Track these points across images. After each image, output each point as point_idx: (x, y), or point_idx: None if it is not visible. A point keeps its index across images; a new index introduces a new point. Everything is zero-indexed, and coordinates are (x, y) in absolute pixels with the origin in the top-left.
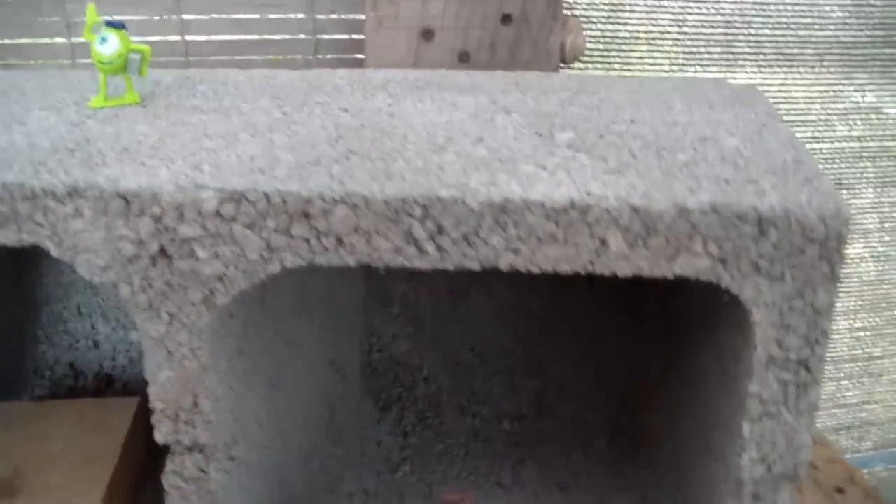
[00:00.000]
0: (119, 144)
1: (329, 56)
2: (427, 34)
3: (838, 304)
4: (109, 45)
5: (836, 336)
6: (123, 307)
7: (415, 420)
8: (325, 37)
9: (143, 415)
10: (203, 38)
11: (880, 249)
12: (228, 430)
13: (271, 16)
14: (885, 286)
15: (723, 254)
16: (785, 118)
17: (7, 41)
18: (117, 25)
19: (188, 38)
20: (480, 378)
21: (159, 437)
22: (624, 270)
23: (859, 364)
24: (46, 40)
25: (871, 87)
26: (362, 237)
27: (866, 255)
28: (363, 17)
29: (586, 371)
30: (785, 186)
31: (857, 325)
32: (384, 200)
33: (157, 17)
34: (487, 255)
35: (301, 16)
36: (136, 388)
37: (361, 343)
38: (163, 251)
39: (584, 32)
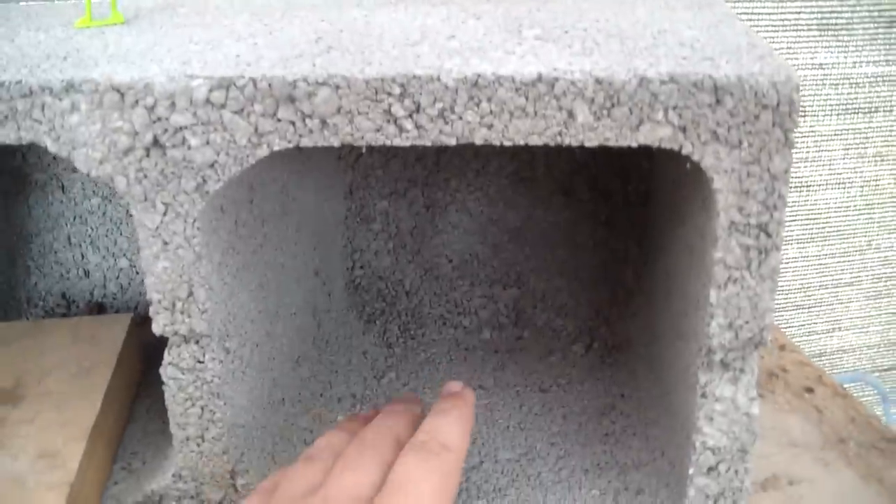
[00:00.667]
0: (108, 52)
1: None
2: None
3: (804, 232)
4: None
5: (806, 263)
6: (111, 235)
7: (398, 332)
8: None
9: (136, 331)
10: None
11: (844, 176)
12: (222, 321)
13: None
14: (850, 212)
15: (683, 122)
16: None
17: None
18: None
19: None
20: (460, 290)
21: (157, 327)
22: (591, 140)
23: (829, 290)
24: None
25: (835, 7)
26: (345, 118)
27: (831, 181)
28: None
29: (563, 281)
30: (739, 61)
31: (824, 252)
32: (364, 81)
33: None
34: (463, 130)
35: None
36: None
37: (344, 260)
38: (156, 141)
39: None
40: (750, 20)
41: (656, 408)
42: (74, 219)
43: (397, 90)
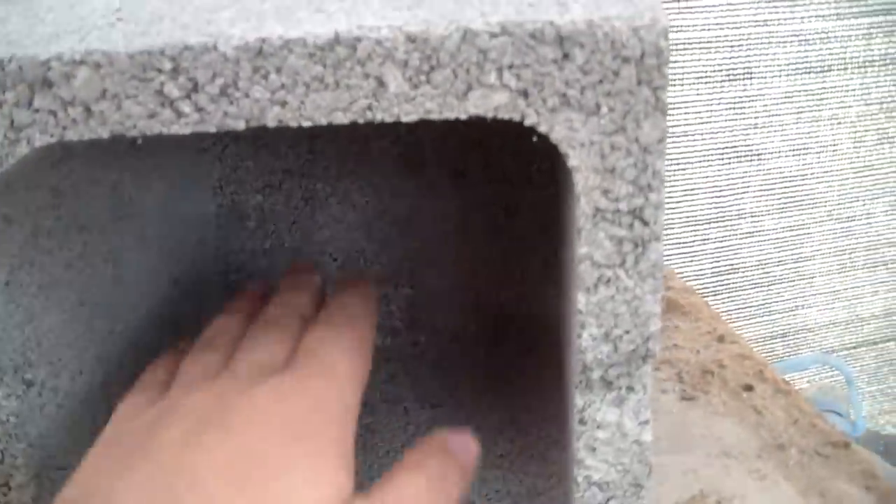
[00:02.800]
0: None
1: None
2: None
3: (762, 204)
4: None
5: (762, 237)
6: None
7: None
8: None
9: None
10: None
11: (798, 142)
12: (16, 350)
13: None
14: (807, 181)
15: (522, 84)
16: (683, 3)
17: None
18: None
19: None
20: None
21: None
22: (409, 114)
23: (789, 266)
24: None
25: None
26: (112, 102)
27: (785, 148)
28: None
29: (461, 277)
30: (595, 2)
31: (781, 225)
32: (129, 55)
33: None
34: (251, 110)
35: None
36: None
37: (217, 262)
38: None
39: None
40: None
41: (559, 423)
42: None
43: (168, 65)
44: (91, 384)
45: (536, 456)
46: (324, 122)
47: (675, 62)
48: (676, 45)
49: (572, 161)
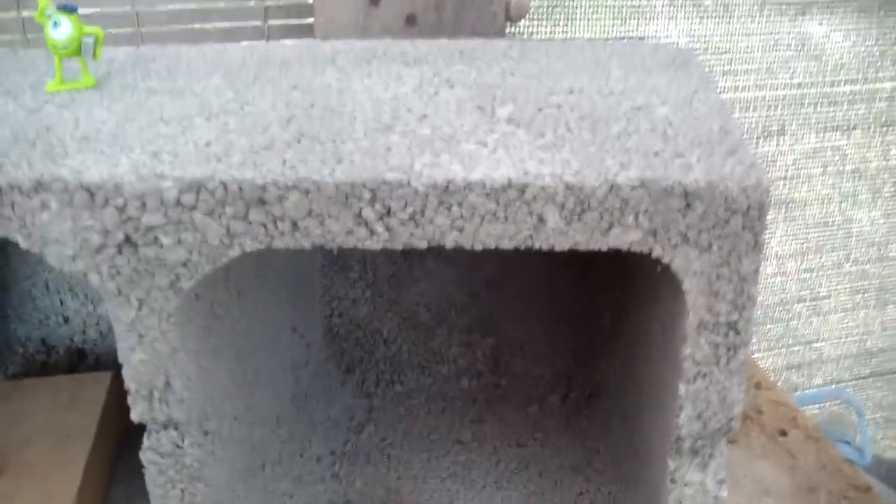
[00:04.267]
0: (78, 132)
1: (279, 21)
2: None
3: (787, 247)
4: (62, 30)
5: (784, 278)
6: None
7: (377, 381)
8: (273, 3)
9: (117, 389)
10: (152, 9)
11: (823, 192)
12: (200, 405)
13: None
14: (829, 228)
15: (653, 226)
16: (727, 68)
17: None
18: (69, 9)
19: (138, 9)
20: (438, 338)
21: (135, 415)
22: (562, 244)
23: (807, 304)
24: None
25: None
26: (316, 220)
27: (811, 198)
28: None
29: (539, 329)
30: (710, 158)
31: (803, 267)
32: (335, 185)
33: None
34: (433, 233)
35: None
36: (107, 360)
37: (322, 308)
38: (128, 239)
39: None
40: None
41: (629, 466)
42: (52, 266)
43: (367, 195)
44: (240, 428)
45: (613, 494)
46: (492, 246)
47: None
48: None
49: (686, 286)
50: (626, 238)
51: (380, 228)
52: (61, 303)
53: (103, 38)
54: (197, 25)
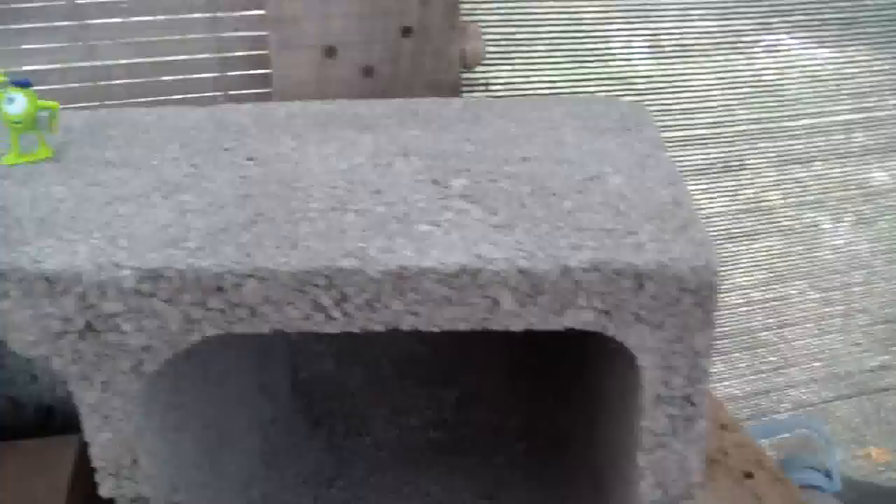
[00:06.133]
0: (36, 213)
1: (237, 73)
2: (330, 51)
3: (751, 278)
4: (17, 105)
5: (750, 308)
6: None
7: (345, 434)
8: (230, 54)
9: (86, 452)
10: (110, 62)
11: (785, 223)
12: (168, 479)
13: (175, 37)
14: (791, 258)
15: (606, 306)
16: (685, 105)
17: None
18: (23, 84)
19: (94, 63)
20: (403, 390)
21: (104, 491)
22: (516, 325)
23: (773, 332)
24: None
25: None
26: (273, 307)
27: (772, 229)
28: (266, 33)
29: (501, 379)
30: (661, 236)
31: (768, 296)
32: (290, 273)
33: (62, 45)
34: (390, 318)
35: (205, 35)
36: (76, 418)
37: (288, 364)
38: (89, 326)
39: (483, 37)
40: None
41: None
42: None
43: (323, 281)
44: (210, 496)
45: None
46: (448, 328)
47: (679, 157)
48: (678, 141)
49: (641, 362)
50: (579, 319)
51: (337, 314)
52: (28, 361)
53: (58, 111)
54: (154, 78)
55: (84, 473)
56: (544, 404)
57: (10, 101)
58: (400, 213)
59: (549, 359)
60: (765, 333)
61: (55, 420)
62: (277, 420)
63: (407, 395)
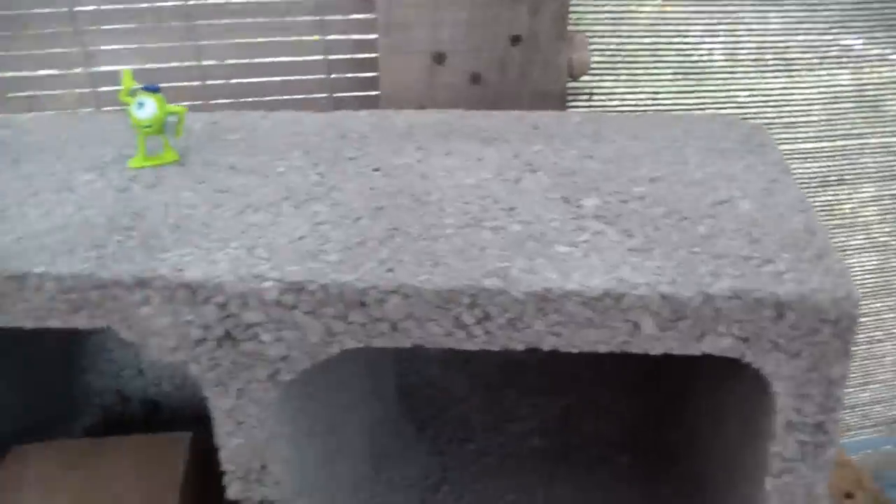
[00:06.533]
0: (170, 219)
1: (343, 75)
2: (439, 58)
3: None
4: (146, 110)
5: None
6: None
7: (449, 440)
8: (337, 56)
9: (196, 450)
10: (217, 62)
11: (881, 240)
12: (293, 484)
13: (283, 38)
14: (885, 274)
15: (745, 334)
16: (787, 119)
17: (26, 73)
18: (153, 89)
19: (204, 62)
20: (508, 398)
21: (231, 493)
22: (656, 349)
23: (862, 347)
24: (64, 71)
25: (872, 81)
26: (415, 323)
27: (867, 245)
28: (374, 36)
29: (608, 390)
30: (799, 266)
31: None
32: (434, 291)
33: (172, 44)
34: (531, 337)
35: (314, 38)
36: (182, 413)
37: (393, 369)
38: (228, 335)
39: (590, 47)
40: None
41: None
42: None
43: (466, 300)
44: (325, 497)
45: None
46: (588, 349)
47: None
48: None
49: (775, 388)
50: (718, 345)
51: (478, 332)
52: (136, 355)
53: (185, 116)
54: (262, 79)
55: (195, 470)
56: (650, 417)
57: (141, 105)
58: (536, 232)
59: (657, 372)
60: (854, 348)
61: (161, 414)
62: (384, 423)
63: (511, 403)
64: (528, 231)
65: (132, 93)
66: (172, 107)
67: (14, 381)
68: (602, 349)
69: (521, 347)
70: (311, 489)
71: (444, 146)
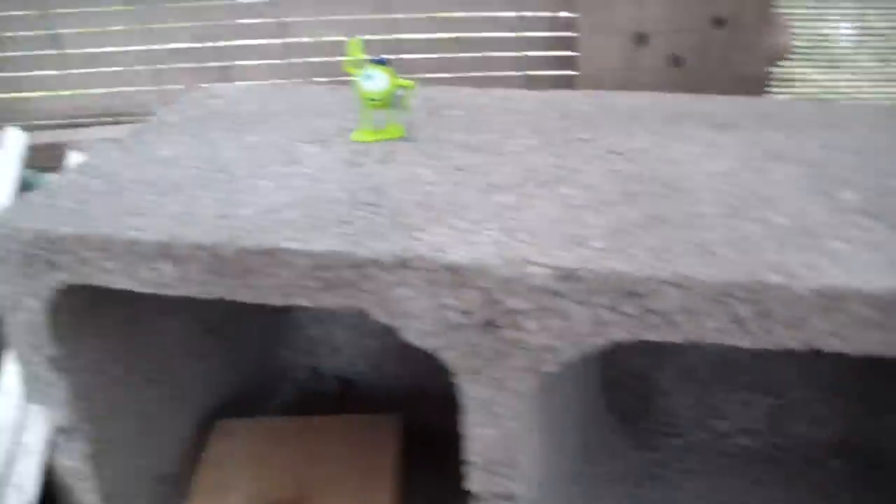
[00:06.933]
0: (412, 196)
1: (539, 53)
2: (640, 38)
3: None
4: (376, 82)
5: None
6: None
7: (654, 433)
8: (532, 34)
9: (404, 432)
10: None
11: None
12: (538, 478)
13: (480, 13)
14: None
15: None
16: None
17: (223, 43)
18: (381, 61)
19: (397, 35)
20: (716, 394)
21: (473, 485)
22: None
23: None
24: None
25: None
26: (689, 316)
27: None
28: (569, 14)
29: (820, 393)
30: None
31: None
32: (712, 283)
33: (366, 17)
34: (812, 337)
35: (509, 14)
36: (376, 392)
37: (598, 360)
38: (490, 321)
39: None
40: None
41: None
42: None
43: (744, 295)
44: (546, 493)
45: None
46: (873, 353)
47: None
48: None
49: None
50: None
51: (755, 329)
52: (329, 332)
53: (415, 91)
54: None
55: (402, 453)
56: (861, 422)
57: (369, 77)
58: (803, 227)
59: (871, 375)
60: None
61: (355, 392)
62: (592, 416)
63: (719, 400)
64: (794, 224)
65: (357, 65)
66: (402, 81)
67: (219, 359)
68: (886, 353)
69: (798, 347)
70: (545, 484)
71: (677, 131)
